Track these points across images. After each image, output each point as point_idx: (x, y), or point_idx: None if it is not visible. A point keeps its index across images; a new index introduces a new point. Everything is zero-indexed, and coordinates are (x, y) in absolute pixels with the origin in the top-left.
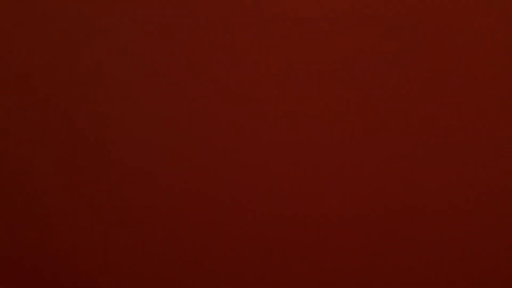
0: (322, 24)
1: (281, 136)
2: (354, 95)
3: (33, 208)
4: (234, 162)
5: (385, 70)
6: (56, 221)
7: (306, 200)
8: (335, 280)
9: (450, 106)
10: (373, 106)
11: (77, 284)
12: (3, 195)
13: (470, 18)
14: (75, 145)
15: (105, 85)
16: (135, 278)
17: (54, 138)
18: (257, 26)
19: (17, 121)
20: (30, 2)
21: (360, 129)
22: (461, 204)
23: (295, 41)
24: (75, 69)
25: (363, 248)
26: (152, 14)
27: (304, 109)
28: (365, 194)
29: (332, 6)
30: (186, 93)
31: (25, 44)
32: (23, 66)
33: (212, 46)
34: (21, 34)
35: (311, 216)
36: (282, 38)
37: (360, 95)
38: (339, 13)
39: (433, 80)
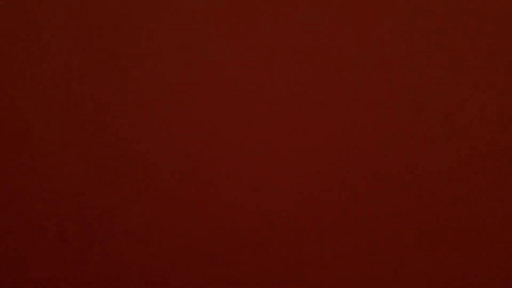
0: (322, 21)
1: (277, 135)
2: (353, 95)
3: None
4: (230, 162)
5: (385, 70)
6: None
7: (303, 199)
8: (331, 278)
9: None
10: (368, 107)
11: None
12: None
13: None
14: (73, 142)
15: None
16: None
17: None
18: (257, 25)
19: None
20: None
21: (357, 128)
22: (462, 207)
23: (294, 40)
24: (74, 66)
25: (358, 248)
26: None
27: (295, 109)
28: (363, 195)
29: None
30: (185, 93)
31: (25, 46)
32: (23, 67)
33: (213, 43)
34: (21, 36)
35: (307, 216)
36: (281, 36)
37: (359, 96)
38: (339, 13)
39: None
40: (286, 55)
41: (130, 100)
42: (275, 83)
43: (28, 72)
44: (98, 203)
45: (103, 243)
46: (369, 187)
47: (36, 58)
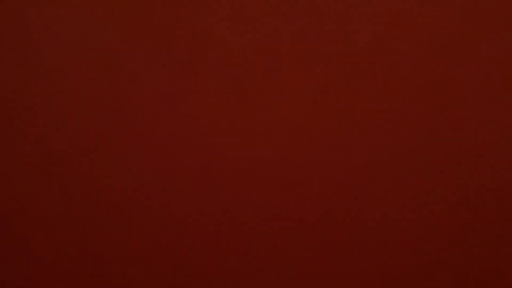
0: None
1: (276, 137)
2: (352, 94)
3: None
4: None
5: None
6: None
7: (301, 201)
8: (329, 279)
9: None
10: (366, 111)
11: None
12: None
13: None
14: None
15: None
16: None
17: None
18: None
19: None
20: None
21: (359, 127)
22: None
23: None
24: (67, 75)
25: (358, 249)
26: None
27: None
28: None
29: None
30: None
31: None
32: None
33: (214, 42)
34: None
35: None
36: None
37: (358, 99)
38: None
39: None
40: (286, 53)
41: (132, 99)
42: (276, 81)
43: (26, 72)
44: (99, 201)
45: (104, 242)
46: (371, 186)
47: (35, 57)
